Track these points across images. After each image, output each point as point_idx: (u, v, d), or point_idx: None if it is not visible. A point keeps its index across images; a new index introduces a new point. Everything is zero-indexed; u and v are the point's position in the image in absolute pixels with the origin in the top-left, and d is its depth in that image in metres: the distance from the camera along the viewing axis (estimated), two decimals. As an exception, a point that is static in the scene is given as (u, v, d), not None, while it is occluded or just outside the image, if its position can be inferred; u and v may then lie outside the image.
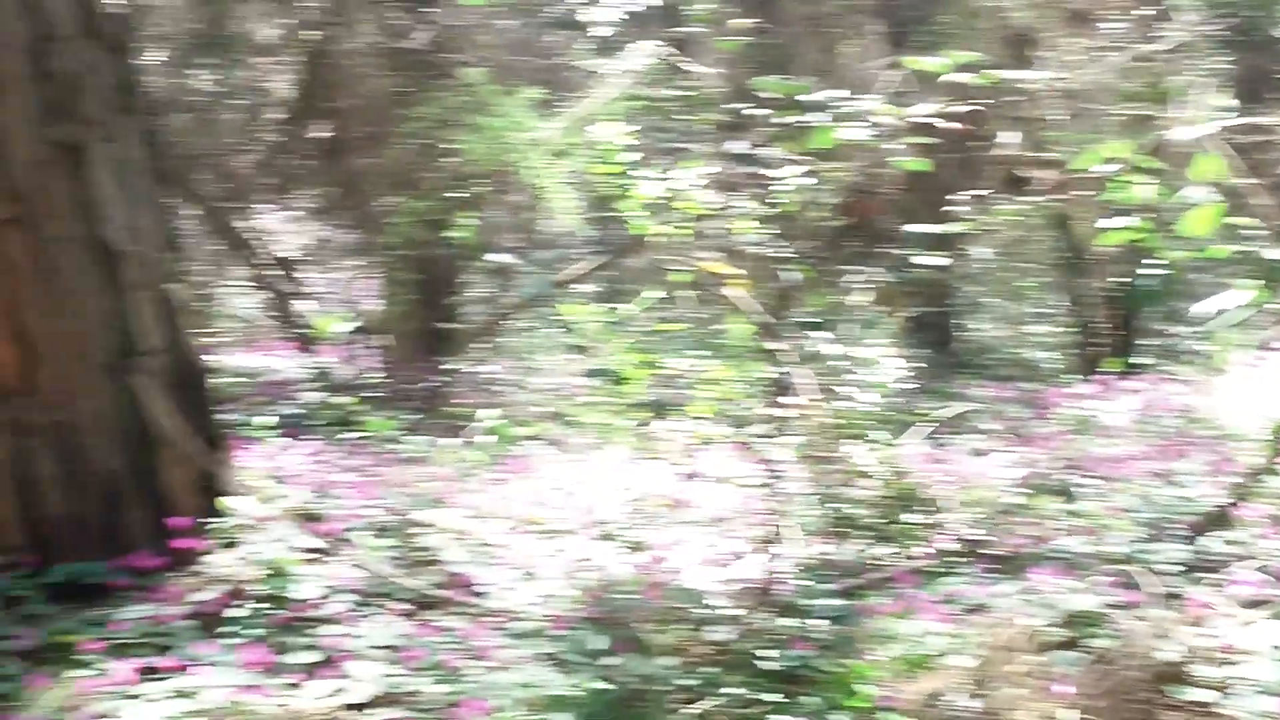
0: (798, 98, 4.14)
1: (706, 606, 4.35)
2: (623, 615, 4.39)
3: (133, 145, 4.88)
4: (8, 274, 4.67)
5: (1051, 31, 8.81)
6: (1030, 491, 5.84)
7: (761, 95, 4.32)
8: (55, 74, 4.66)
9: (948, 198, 5.33)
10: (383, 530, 5.32)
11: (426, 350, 8.74)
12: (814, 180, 4.40)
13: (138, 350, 4.82)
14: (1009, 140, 6.49)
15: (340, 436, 6.62)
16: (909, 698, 3.82)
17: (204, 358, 5.24)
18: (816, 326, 4.60)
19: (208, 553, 4.83)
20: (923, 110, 4.20)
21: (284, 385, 9.28)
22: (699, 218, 5.10)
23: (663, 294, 8.16)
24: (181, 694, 3.89)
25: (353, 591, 4.63)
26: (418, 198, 7.59)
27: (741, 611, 4.30)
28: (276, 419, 7.13)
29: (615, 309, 5.68)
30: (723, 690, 3.86)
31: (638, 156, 5.54)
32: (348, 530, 5.24)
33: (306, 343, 8.83)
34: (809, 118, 4.18)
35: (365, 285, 9.78)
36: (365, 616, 4.50)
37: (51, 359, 4.72)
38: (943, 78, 4.36)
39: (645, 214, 5.12)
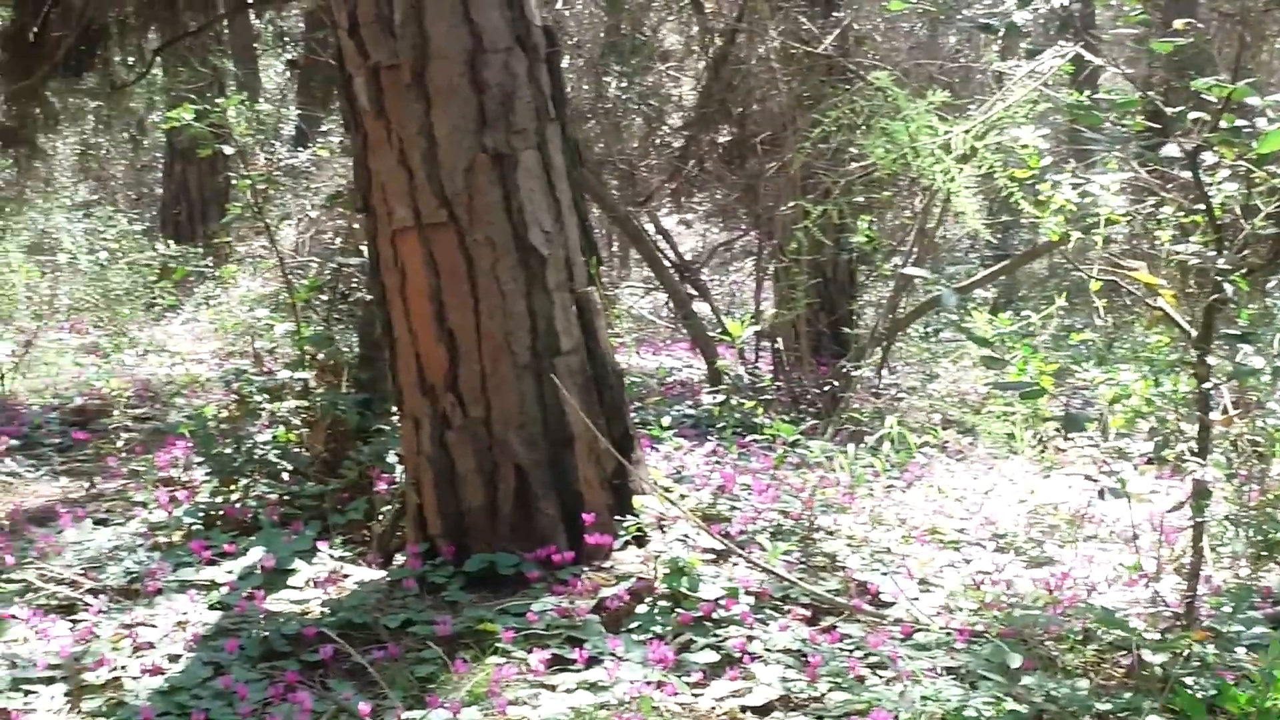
0: (1236, 100, 3.93)
1: (1119, 627, 4.18)
2: (1030, 632, 4.27)
3: (556, 152, 5.04)
4: (438, 277, 4.91)
5: None
6: None
7: (1184, 96, 4.13)
8: (488, 84, 4.87)
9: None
10: (782, 534, 5.34)
11: (824, 354, 8.73)
12: (1250, 186, 4.16)
13: (556, 350, 4.98)
14: None
15: (738, 438, 6.68)
16: (1345, 739, 3.57)
17: (617, 359, 5.38)
18: (1246, 339, 4.34)
19: (616, 549, 4.95)
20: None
21: (683, 386, 9.45)
22: (1116, 224, 4.92)
23: (1071, 302, 7.91)
24: (591, 686, 4.00)
25: (753, 594, 4.65)
26: (819, 201, 7.58)
27: (1158, 635, 4.11)
28: (675, 419, 7.27)
29: (1021, 316, 5.52)
30: (1139, 717, 3.69)
31: (1050, 160, 5.39)
32: (748, 532, 5.28)
33: (703, 344, 8.95)
34: (1248, 121, 3.96)
35: (763, 288, 9.85)
36: (766, 619, 4.52)
37: (475, 357, 4.93)
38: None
39: (1059, 220, 4.96)
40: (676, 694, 3.98)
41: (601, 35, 10.80)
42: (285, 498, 5.86)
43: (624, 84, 10.31)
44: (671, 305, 10.64)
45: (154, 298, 12.81)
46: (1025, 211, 5.53)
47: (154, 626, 4.62)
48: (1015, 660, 3.99)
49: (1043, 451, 6.70)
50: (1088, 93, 4.64)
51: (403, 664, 4.25)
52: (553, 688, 4.02)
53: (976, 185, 6.72)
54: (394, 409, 5.63)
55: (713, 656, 4.24)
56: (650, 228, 10.31)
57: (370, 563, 5.26)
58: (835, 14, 8.93)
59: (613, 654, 4.18)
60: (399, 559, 5.20)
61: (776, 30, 8.67)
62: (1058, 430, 6.81)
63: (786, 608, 4.62)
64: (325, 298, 7.57)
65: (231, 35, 16.74)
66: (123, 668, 4.30)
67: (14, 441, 7.64)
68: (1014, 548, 5.43)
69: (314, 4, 10.60)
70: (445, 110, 4.87)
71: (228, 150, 6.75)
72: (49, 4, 10.67)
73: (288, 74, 17.03)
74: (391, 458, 5.85)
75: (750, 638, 4.33)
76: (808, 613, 4.62)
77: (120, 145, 18.44)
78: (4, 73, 11.03)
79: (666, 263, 9.78)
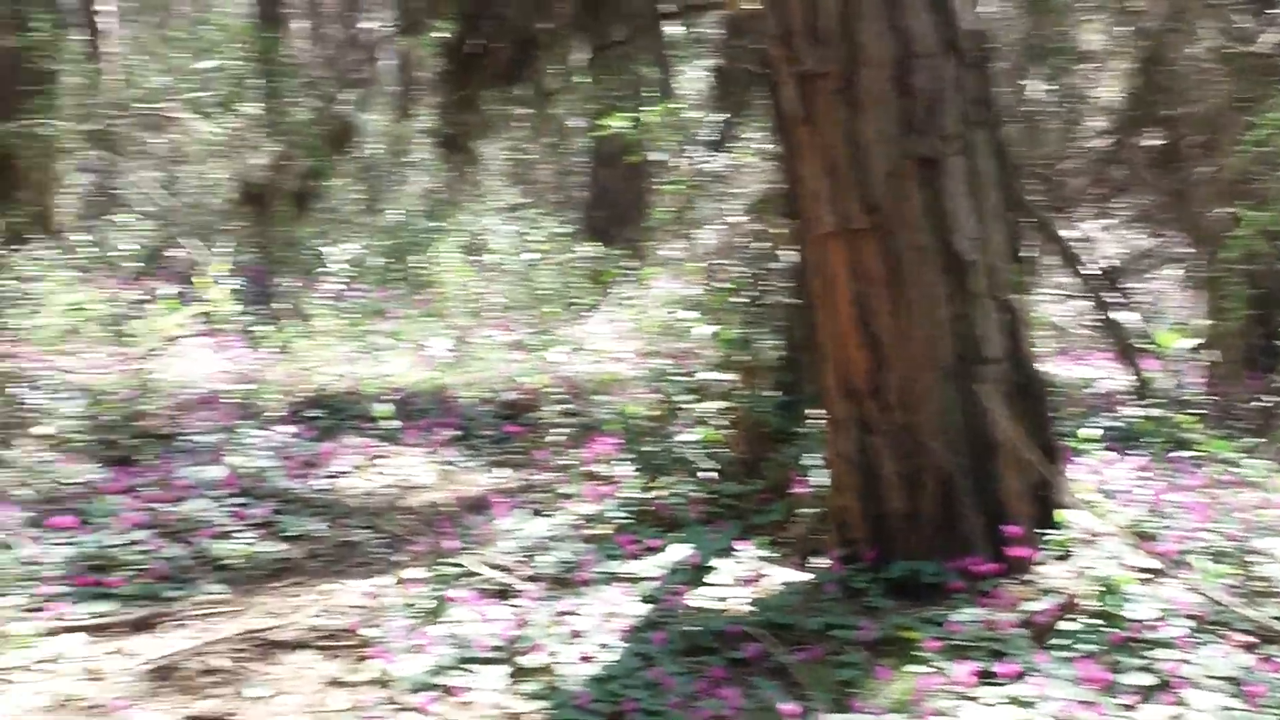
0: None
1: None
2: None
3: (984, 157, 4.98)
4: (863, 281, 4.93)
5: None
6: None
7: None
8: (916, 89, 4.85)
9: None
10: (1219, 555, 5.10)
11: (1258, 368, 8.29)
12: None
13: (980, 357, 4.92)
14: None
15: (1168, 454, 6.41)
16: None
17: (1041, 368, 5.27)
18: None
19: (1039, 562, 4.85)
20: None
21: (1104, 397, 9.15)
22: None
23: None
24: (1017, 702, 3.94)
25: (1188, 616, 4.47)
26: (1258, 208, 7.20)
27: None
28: (1100, 431, 7.04)
29: None
30: None
31: None
32: (1182, 552, 5.08)
33: (1126, 354, 8.63)
34: None
35: (1189, 297, 9.42)
36: (1202, 644, 4.33)
37: (897, 363, 4.92)
38: None
39: None
40: (1105, 714, 3.87)
41: (1024, 36, 10.56)
42: (708, 496, 5.99)
43: (1047, 86, 10.05)
44: (1092, 313, 10.29)
45: (576, 297, 13.27)
46: None
47: (583, 616, 4.81)
48: None
49: None
50: None
51: (824, 666, 4.29)
52: (976, 699, 3.98)
53: None
54: (813, 412, 5.68)
55: (1144, 679, 4.09)
56: (1068, 233, 10.01)
57: (790, 564, 5.32)
58: (1271, 10, 8.46)
59: (1039, 670, 4.10)
60: (816, 561, 5.24)
61: (1213, 29, 8.28)
62: None
63: (1224, 633, 4.42)
64: (743, 300, 7.69)
65: (652, 43, 17.15)
66: (554, 654, 4.49)
67: (453, 433, 8.09)
68: None
69: (736, 10, 10.77)
70: (872, 116, 4.87)
71: (654, 156, 6.94)
72: (485, 18, 11.22)
73: (709, 79, 17.36)
74: (809, 460, 5.89)
75: (1184, 662, 4.17)
76: (1247, 639, 4.40)
77: (545, 151, 19.20)
78: (446, 83, 11.66)
79: (1089, 270, 9.48)
